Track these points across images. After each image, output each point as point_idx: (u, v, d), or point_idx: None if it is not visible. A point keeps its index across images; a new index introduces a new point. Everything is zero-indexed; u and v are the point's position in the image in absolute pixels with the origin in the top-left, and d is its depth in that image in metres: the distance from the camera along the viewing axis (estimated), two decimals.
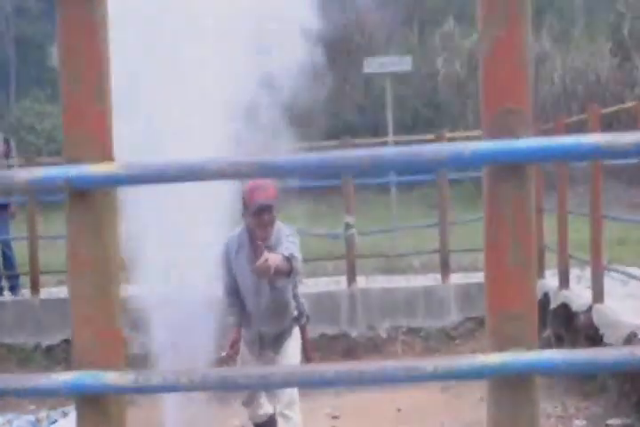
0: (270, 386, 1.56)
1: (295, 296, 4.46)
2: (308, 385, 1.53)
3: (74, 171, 1.52)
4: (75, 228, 1.56)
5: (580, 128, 7.04)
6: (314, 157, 1.48)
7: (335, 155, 1.49)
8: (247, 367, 4.11)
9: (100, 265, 1.55)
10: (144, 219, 4.93)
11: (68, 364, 7.13)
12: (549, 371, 1.45)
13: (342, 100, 19.55)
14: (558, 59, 19.23)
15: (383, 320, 7.49)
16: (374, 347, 7.38)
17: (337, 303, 7.51)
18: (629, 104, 7.79)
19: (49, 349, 7.56)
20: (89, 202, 1.55)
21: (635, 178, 13.79)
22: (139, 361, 7.32)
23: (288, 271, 3.97)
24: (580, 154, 1.50)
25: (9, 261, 8.28)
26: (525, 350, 1.44)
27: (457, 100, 20.32)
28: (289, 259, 3.95)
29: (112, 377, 1.50)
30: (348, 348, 7.37)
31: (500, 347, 1.46)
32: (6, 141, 8.37)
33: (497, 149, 1.44)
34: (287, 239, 4.15)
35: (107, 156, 1.57)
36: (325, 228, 8.56)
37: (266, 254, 3.85)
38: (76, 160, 1.56)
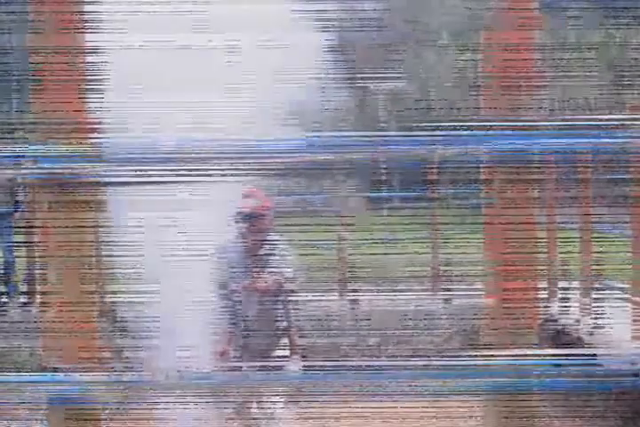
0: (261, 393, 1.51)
1: (287, 307, 4.46)
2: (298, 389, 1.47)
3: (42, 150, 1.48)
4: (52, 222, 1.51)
5: None
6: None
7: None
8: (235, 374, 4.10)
9: (74, 260, 1.49)
10: (138, 223, 4.88)
11: None
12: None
13: (338, 115, 19.59)
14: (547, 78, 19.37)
15: (376, 333, 7.48)
16: (365, 360, 7.33)
17: (329, 315, 7.50)
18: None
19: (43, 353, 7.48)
20: (67, 196, 1.49)
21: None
22: (130, 366, 7.27)
23: (280, 287, 4.10)
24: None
25: (10, 267, 8.22)
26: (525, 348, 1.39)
27: (451, 118, 20.42)
28: (282, 274, 4.06)
29: (91, 375, 1.44)
30: (339, 360, 7.33)
31: (501, 343, 1.41)
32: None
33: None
34: (280, 252, 4.20)
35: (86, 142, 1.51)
36: (318, 240, 8.53)
37: (261, 273, 4.02)
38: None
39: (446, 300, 7.67)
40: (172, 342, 5.02)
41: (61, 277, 1.47)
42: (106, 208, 1.63)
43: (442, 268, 7.86)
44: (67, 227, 1.50)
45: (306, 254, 7.84)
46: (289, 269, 4.13)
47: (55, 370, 1.49)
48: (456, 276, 8.20)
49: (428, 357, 6.47)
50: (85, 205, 1.52)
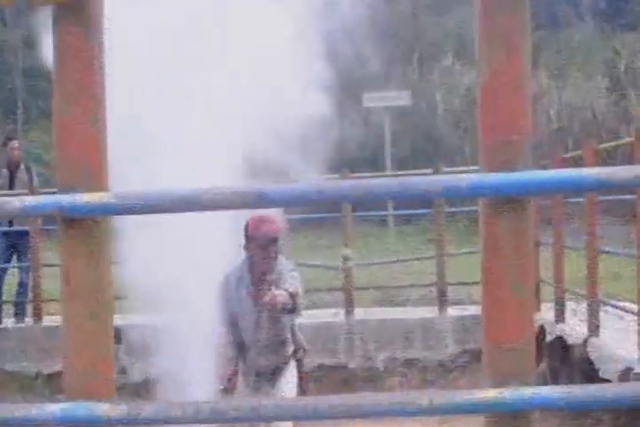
0: (263, 419, 1.54)
1: (293, 330, 4.46)
2: (302, 418, 1.51)
3: (66, 199, 1.52)
4: (68, 255, 1.56)
5: (577, 164, 7.07)
6: (310, 186, 1.48)
7: (331, 185, 1.49)
8: (239, 400, 4.09)
9: (93, 293, 1.54)
10: (143, 247, 4.92)
11: None
12: (547, 408, 1.44)
13: (342, 134, 19.65)
14: (555, 95, 19.40)
15: (380, 352, 7.52)
16: (371, 378, 7.38)
17: (335, 335, 7.53)
18: (625, 140, 7.85)
19: (50, 376, 7.53)
20: (81, 230, 1.55)
21: (630, 214, 13.84)
22: (137, 390, 7.29)
23: (292, 308, 4.02)
24: (581, 186, 1.50)
25: (23, 288, 8.29)
26: (522, 385, 1.43)
27: (455, 136, 20.44)
28: (293, 295, 3.98)
29: (104, 408, 1.48)
30: (346, 379, 7.40)
31: (497, 381, 1.45)
32: (28, 170, 8.47)
33: (494, 182, 1.45)
34: (289, 274, 4.17)
35: (100, 182, 1.56)
36: (324, 259, 8.56)
37: (274, 291, 3.92)
38: (69, 187, 1.55)
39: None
40: (179, 366, 5.05)
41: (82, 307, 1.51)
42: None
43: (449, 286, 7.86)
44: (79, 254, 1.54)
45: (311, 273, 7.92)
46: (299, 291, 4.10)
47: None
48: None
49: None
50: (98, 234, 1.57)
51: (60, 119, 1.57)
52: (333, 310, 7.96)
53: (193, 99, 5.24)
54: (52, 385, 7.40)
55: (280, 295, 3.93)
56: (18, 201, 1.57)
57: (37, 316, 8.02)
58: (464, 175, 1.46)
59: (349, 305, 7.69)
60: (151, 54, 5.03)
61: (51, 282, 8.29)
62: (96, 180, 1.56)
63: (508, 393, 1.43)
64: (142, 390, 7.38)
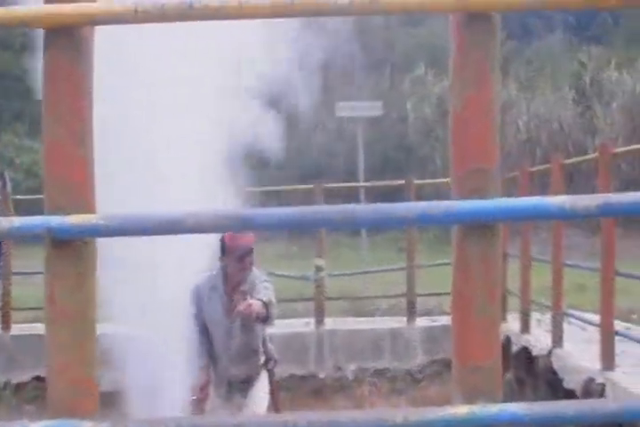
0: None
1: (264, 340, 4.48)
2: None
3: (54, 221, 1.57)
4: (54, 276, 1.60)
5: (544, 177, 7.22)
6: (290, 211, 1.54)
7: (311, 211, 1.56)
8: (220, 417, 4.11)
9: (78, 313, 1.59)
10: (116, 257, 4.93)
11: (38, 402, 7.03)
12: (513, 423, 1.52)
13: (313, 143, 19.74)
14: (523, 106, 19.66)
15: (350, 362, 7.58)
16: (341, 388, 7.43)
17: (305, 344, 7.56)
18: (590, 155, 8.02)
19: (19, 386, 7.45)
20: (68, 251, 1.59)
21: (595, 227, 14.07)
22: (107, 400, 7.26)
23: (265, 317, 4.04)
24: (545, 214, 1.59)
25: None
26: (491, 402, 1.51)
27: (426, 145, 20.61)
28: (267, 305, 4.00)
29: (88, 426, 1.52)
30: (316, 388, 7.44)
31: (467, 398, 1.53)
32: (1, 176, 8.39)
33: (467, 209, 1.52)
34: (262, 284, 4.19)
35: (88, 203, 1.61)
36: (295, 269, 8.60)
37: (249, 300, 3.94)
38: (57, 208, 1.60)
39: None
40: (150, 376, 5.06)
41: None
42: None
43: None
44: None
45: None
46: (273, 301, 4.12)
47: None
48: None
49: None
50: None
51: (49, 140, 1.62)
52: (304, 320, 8.00)
53: (161, 107, 5.26)
54: (20, 395, 7.34)
55: (255, 304, 3.95)
56: (5, 222, 1.61)
57: (6, 324, 7.92)
58: (438, 203, 1.54)
59: (320, 315, 7.72)
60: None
61: (20, 290, 8.25)
62: (84, 200, 1.61)
63: (477, 410, 1.50)
64: (112, 400, 7.33)
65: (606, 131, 17.57)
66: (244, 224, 1.55)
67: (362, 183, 11.15)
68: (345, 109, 12.08)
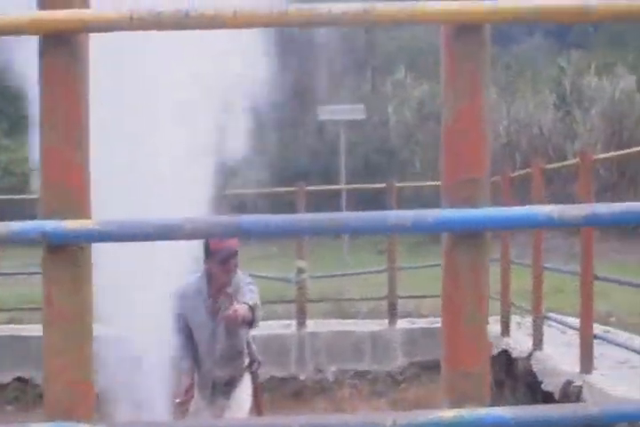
0: None
1: (248, 342, 4.49)
2: None
3: (50, 225, 1.58)
4: (50, 280, 1.62)
5: (525, 181, 7.29)
6: (285, 219, 1.57)
7: (305, 218, 1.59)
8: (209, 421, 4.11)
9: (74, 317, 1.61)
10: (99, 258, 4.92)
11: (19, 403, 6.99)
12: (500, 426, 1.56)
13: (296, 146, 19.77)
14: (504, 110, 19.80)
15: (331, 364, 7.60)
16: (322, 390, 7.45)
17: (286, 346, 7.58)
18: (571, 161, 8.12)
19: (0, 387, 7.37)
20: (65, 256, 1.61)
21: (574, 228, 14.22)
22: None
23: (251, 321, 4.06)
24: (534, 223, 1.63)
25: None
26: (478, 406, 1.55)
27: (407, 148, 20.70)
28: (253, 309, 4.02)
29: None
30: (297, 390, 7.46)
31: (455, 402, 1.57)
32: None
33: (458, 218, 1.56)
34: (247, 287, 4.21)
35: (84, 208, 1.63)
36: (275, 270, 8.61)
37: (235, 305, 3.95)
38: (52, 213, 1.61)
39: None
40: (132, 379, 5.06)
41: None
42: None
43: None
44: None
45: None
46: (259, 304, 4.10)
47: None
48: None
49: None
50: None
51: (45, 146, 1.63)
52: (284, 322, 8.02)
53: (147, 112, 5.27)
54: (1, 396, 7.29)
55: (241, 309, 3.96)
56: (3, 226, 1.62)
57: None
58: (431, 211, 1.57)
59: (302, 317, 7.74)
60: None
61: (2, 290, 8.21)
62: (80, 205, 1.62)
63: (465, 413, 1.54)
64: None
65: (585, 136, 17.74)
66: (239, 231, 1.58)
67: (344, 186, 11.20)
68: (327, 113, 12.14)
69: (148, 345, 4.92)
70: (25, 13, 1.61)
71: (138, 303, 4.97)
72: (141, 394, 4.95)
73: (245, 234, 1.57)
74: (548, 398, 5.35)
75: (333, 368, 7.55)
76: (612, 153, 7.17)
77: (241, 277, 4.29)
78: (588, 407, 1.69)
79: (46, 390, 1.62)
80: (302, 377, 7.55)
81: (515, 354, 6.37)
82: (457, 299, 1.60)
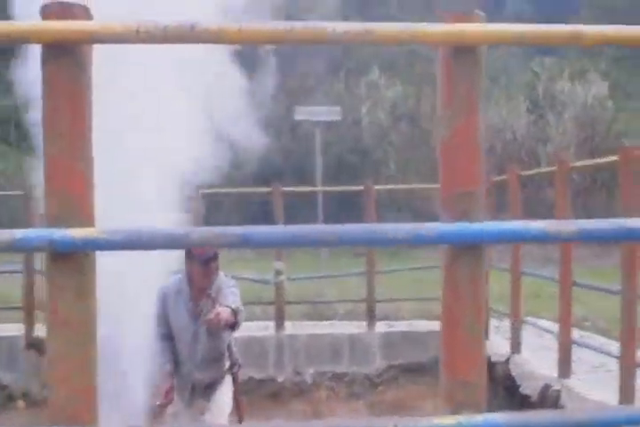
0: None
1: (229, 345, 4.47)
2: None
3: (57, 234, 1.60)
4: (55, 287, 1.64)
5: (501, 187, 7.37)
6: (287, 230, 1.61)
7: (307, 230, 1.63)
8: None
9: (79, 324, 1.63)
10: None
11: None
12: None
13: (270, 145, 19.74)
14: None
15: (309, 366, 7.58)
16: (300, 392, 7.44)
17: (264, 348, 7.57)
18: (549, 168, 8.22)
19: None
20: (70, 264, 1.63)
21: None
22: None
23: (233, 324, 4.05)
24: (528, 238, 1.69)
25: None
26: (475, 413, 1.60)
27: (380, 148, 20.77)
28: (235, 312, 4.00)
29: None
30: (275, 392, 7.43)
31: (454, 409, 1.62)
32: None
33: (458, 231, 1.61)
34: (229, 290, 4.20)
35: (88, 217, 1.65)
36: (253, 272, 8.61)
37: (217, 308, 3.93)
38: (57, 221, 1.63)
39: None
40: (110, 380, 5.04)
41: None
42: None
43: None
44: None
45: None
46: (241, 308, 4.08)
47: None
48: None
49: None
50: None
51: (49, 155, 1.64)
52: (262, 324, 8.02)
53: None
54: None
55: (224, 312, 3.94)
56: (7, 234, 1.63)
57: None
58: (431, 225, 1.62)
59: (280, 319, 7.75)
60: None
61: None
62: (83, 214, 1.64)
63: (463, 419, 1.59)
64: None
65: (558, 140, 17.96)
66: (242, 241, 1.61)
67: (321, 188, 11.24)
68: (304, 113, 12.18)
69: (128, 346, 4.91)
70: (30, 22, 1.61)
71: (117, 304, 4.96)
72: (121, 395, 4.94)
73: (248, 244, 1.61)
74: (526, 401, 5.42)
75: (312, 370, 7.54)
76: (590, 161, 7.26)
77: (223, 279, 4.28)
78: (579, 414, 1.75)
79: (50, 395, 1.64)
80: (280, 379, 7.53)
81: (493, 358, 6.43)
82: (456, 310, 1.65)
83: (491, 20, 1.68)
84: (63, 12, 1.64)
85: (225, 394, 4.47)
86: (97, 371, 1.64)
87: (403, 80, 22.33)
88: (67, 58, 1.61)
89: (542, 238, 1.66)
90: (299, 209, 12.63)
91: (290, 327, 7.89)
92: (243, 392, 4.92)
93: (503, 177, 7.13)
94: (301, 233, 1.63)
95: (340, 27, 1.62)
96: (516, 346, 6.10)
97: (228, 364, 4.48)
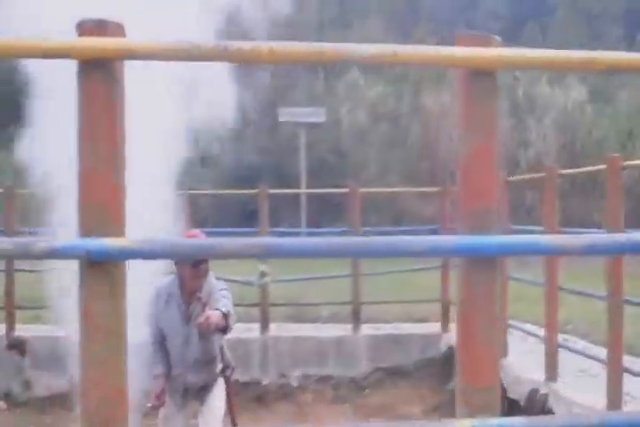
0: None
1: (221, 348, 4.49)
2: None
3: (92, 243, 1.66)
4: (89, 294, 1.70)
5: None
6: (320, 241, 1.68)
7: (333, 242, 1.71)
8: None
9: (112, 330, 1.69)
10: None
11: None
12: None
13: (252, 146, 19.76)
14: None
15: (294, 368, 7.59)
16: (285, 395, 7.44)
17: (249, 350, 7.56)
18: (531, 175, 8.34)
19: None
20: (104, 272, 1.69)
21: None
22: (43, 406, 7.13)
23: (224, 328, 4.09)
24: (539, 251, 1.79)
25: None
26: (490, 416, 1.69)
27: (360, 149, 20.84)
28: (226, 316, 4.04)
29: None
30: (260, 395, 7.42)
31: (471, 413, 1.70)
32: None
33: (476, 244, 1.70)
34: (220, 293, 4.22)
35: (119, 228, 1.71)
36: (237, 273, 8.63)
37: (208, 312, 3.97)
38: (90, 231, 1.68)
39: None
40: None
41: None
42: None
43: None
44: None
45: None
46: (232, 311, 4.11)
47: None
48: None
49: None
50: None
51: (84, 168, 1.69)
52: (247, 326, 8.02)
53: None
54: None
55: (214, 316, 3.98)
56: (44, 243, 1.69)
57: None
58: (450, 237, 1.71)
59: (265, 321, 7.76)
60: None
61: None
62: (116, 224, 1.70)
63: (478, 423, 1.68)
64: (48, 405, 7.23)
65: (539, 144, 18.14)
66: (269, 252, 1.68)
67: (306, 190, 11.31)
68: (288, 115, 12.24)
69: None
70: (70, 39, 1.65)
71: None
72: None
73: (275, 254, 1.68)
74: (513, 405, 5.48)
75: (297, 373, 7.55)
76: (580, 170, 7.35)
77: (214, 282, 4.31)
78: (592, 417, 1.84)
79: (84, 400, 1.70)
80: (265, 382, 7.53)
81: None
82: (472, 318, 1.73)
83: (466, 19, 1.76)
84: (100, 28, 1.70)
85: (218, 397, 4.49)
86: (127, 375, 1.70)
87: (383, 80, 22.44)
88: (103, 72, 1.65)
89: (552, 252, 1.75)
90: (280, 210, 12.67)
91: (275, 329, 7.89)
92: (235, 395, 4.93)
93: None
94: (329, 245, 1.69)
95: (370, 48, 1.70)
96: (501, 350, 6.18)
97: (220, 366, 4.50)
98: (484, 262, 1.75)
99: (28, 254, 1.69)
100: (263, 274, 7.85)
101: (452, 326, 7.64)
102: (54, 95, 5.18)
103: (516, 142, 19.07)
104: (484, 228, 1.74)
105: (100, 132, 1.69)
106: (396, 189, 14.58)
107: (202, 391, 4.45)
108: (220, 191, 10.14)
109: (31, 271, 7.30)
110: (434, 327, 7.84)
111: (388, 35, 26.43)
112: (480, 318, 1.72)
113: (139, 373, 4.84)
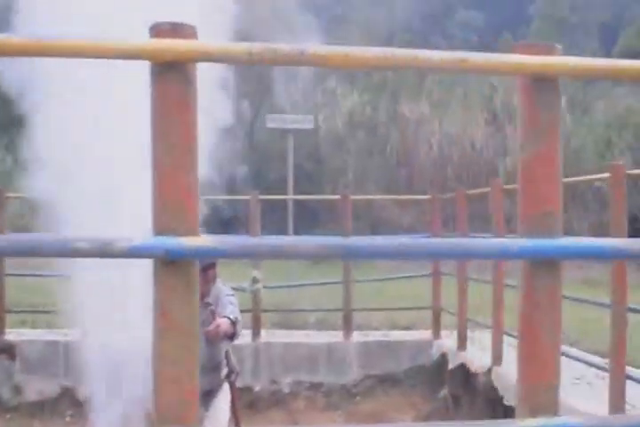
0: None
1: (227, 353, 4.53)
2: None
3: (170, 242, 1.68)
4: (165, 291, 1.71)
5: (482, 200, 7.55)
6: (397, 243, 1.72)
7: (411, 243, 1.74)
8: None
9: (186, 327, 1.71)
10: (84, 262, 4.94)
11: None
12: None
13: (229, 152, 19.71)
14: (436, 124, 20.23)
15: (286, 375, 7.58)
16: (277, 402, 7.43)
17: (240, 357, 7.49)
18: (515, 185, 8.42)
19: None
20: (179, 270, 1.71)
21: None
22: (32, 411, 7.07)
23: (232, 335, 4.15)
24: (602, 255, 1.84)
25: None
26: (553, 416, 1.74)
27: (337, 157, 20.89)
28: (234, 323, 4.09)
29: None
30: (251, 401, 7.38)
31: (532, 412, 1.75)
32: None
33: (539, 247, 1.75)
34: (227, 299, 4.26)
35: (193, 227, 1.74)
36: (230, 279, 8.61)
37: (218, 320, 4.01)
38: (166, 230, 1.70)
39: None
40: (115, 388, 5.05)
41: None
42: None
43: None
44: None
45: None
46: (239, 318, 4.16)
47: None
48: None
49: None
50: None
51: (160, 170, 1.71)
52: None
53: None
54: None
55: (224, 324, 4.02)
56: (125, 242, 1.70)
57: None
58: (513, 240, 1.76)
59: (256, 327, 7.74)
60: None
61: None
62: (190, 223, 1.72)
63: (543, 422, 1.73)
64: (38, 410, 7.18)
65: (516, 153, 18.32)
66: (348, 253, 1.72)
67: (294, 196, 11.32)
68: (276, 121, 12.26)
69: (129, 353, 4.94)
70: (146, 41, 1.66)
71: (120, 311, 4.98)
72: (121, 402, 4.96)
73: (353, 255, 1.72)
74: (508, 412, 5.50)
75: (288, 380, 7.54)
76: (580, 178, 7.43)
77: (221, 288, 4.34)
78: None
79: (158, 397, 1.72)
80: (257, 388, 7.50)
81: (474, 369, 6.51)
82: (535, 321, 1.78)
83: (441, 26, 1.81)
84: (174, 31, 1.73)
85: (222, 402, 4.52)
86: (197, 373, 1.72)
87: (361, 89, 22.54)
88: (177, 74, 1.67)
89: (616, 256, 1.81)
90: (271, 215, 12.68)
91: (266, 336, 7.88)
92: (240, 400, 4.93)
93: (485, 190, 7.30)
94: (402, 246, 1.72)
95: (438, 55, 1.75)
96: (497, 357, 6.21)
97: (225, 372, 4.53)
98: (547, 265, 1.79)
99: (106, 253, 1.69)
100: (255, 280, 7.85)
101: (444, 333, 7.70)
102: (54, 95, 5.18)
103: (494, 150, 19.25)
104: (548, 231, 1.79)
105: (174, 134, 1.71)
106: (387, 197, 14.63)
107: (207, 396, 4.44)
108: (213, 197, 10.08)
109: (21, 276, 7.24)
110: (425, 334, 7.87)
111: (366, 44, 26.52)
112: (545, 320, 1.77)
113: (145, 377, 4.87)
